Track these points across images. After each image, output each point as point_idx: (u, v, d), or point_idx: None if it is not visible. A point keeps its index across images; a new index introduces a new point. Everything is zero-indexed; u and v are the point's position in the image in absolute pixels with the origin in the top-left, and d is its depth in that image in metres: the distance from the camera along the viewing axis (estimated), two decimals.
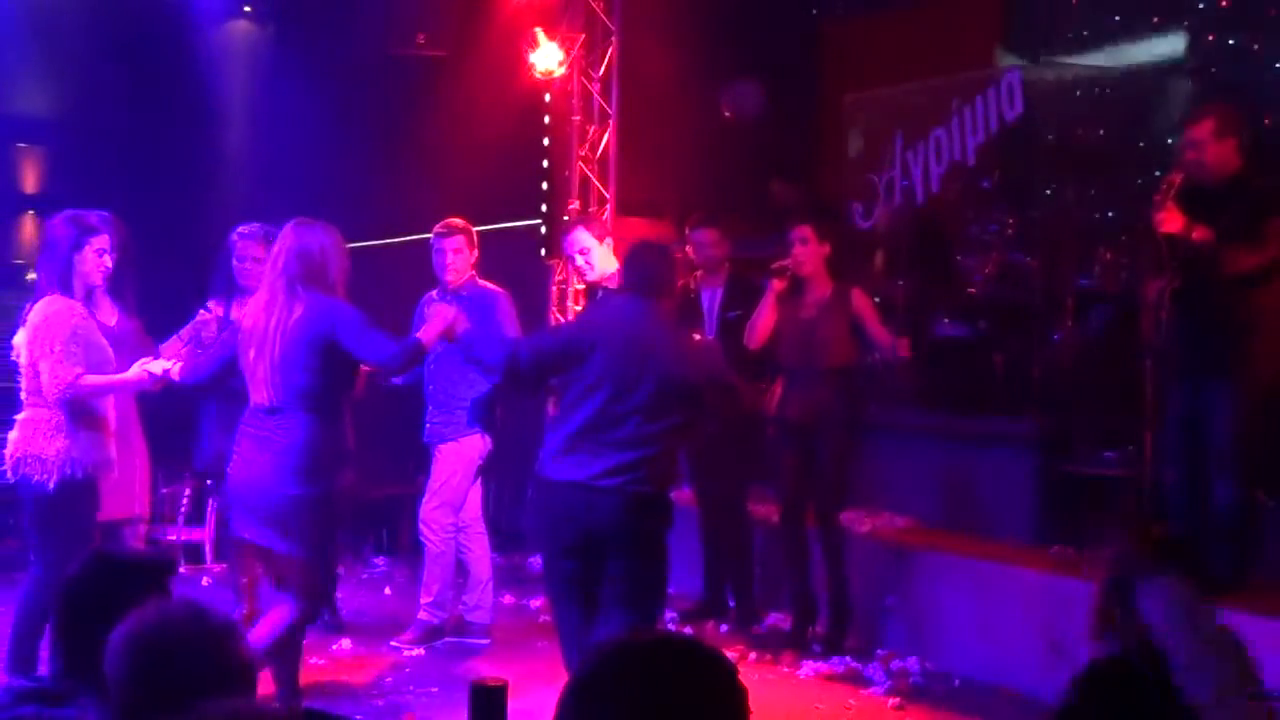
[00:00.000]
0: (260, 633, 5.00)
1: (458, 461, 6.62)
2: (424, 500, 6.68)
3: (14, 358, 5.44)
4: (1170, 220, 5.37)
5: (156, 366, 5.28)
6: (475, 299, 6.56)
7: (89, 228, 5.23)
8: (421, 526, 6.66)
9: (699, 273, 7.13)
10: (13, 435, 5.22)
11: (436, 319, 5.15)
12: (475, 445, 6.64)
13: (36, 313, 5.17)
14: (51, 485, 5.08)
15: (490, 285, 6.71)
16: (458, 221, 6.70)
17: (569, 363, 4.80)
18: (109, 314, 5.62)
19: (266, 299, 5.01)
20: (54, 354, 5.08)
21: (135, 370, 5.28)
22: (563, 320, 9.54)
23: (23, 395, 5.27)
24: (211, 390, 5.56)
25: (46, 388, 5.10)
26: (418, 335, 5.12)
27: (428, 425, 6.72)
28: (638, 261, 4.97)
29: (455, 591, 6.77)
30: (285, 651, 5.11)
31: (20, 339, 5.31)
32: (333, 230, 5.14)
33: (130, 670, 2.21)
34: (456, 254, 6.61)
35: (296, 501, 4.93)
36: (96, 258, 5.25)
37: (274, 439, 4.94)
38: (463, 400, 6.58)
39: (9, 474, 5.21)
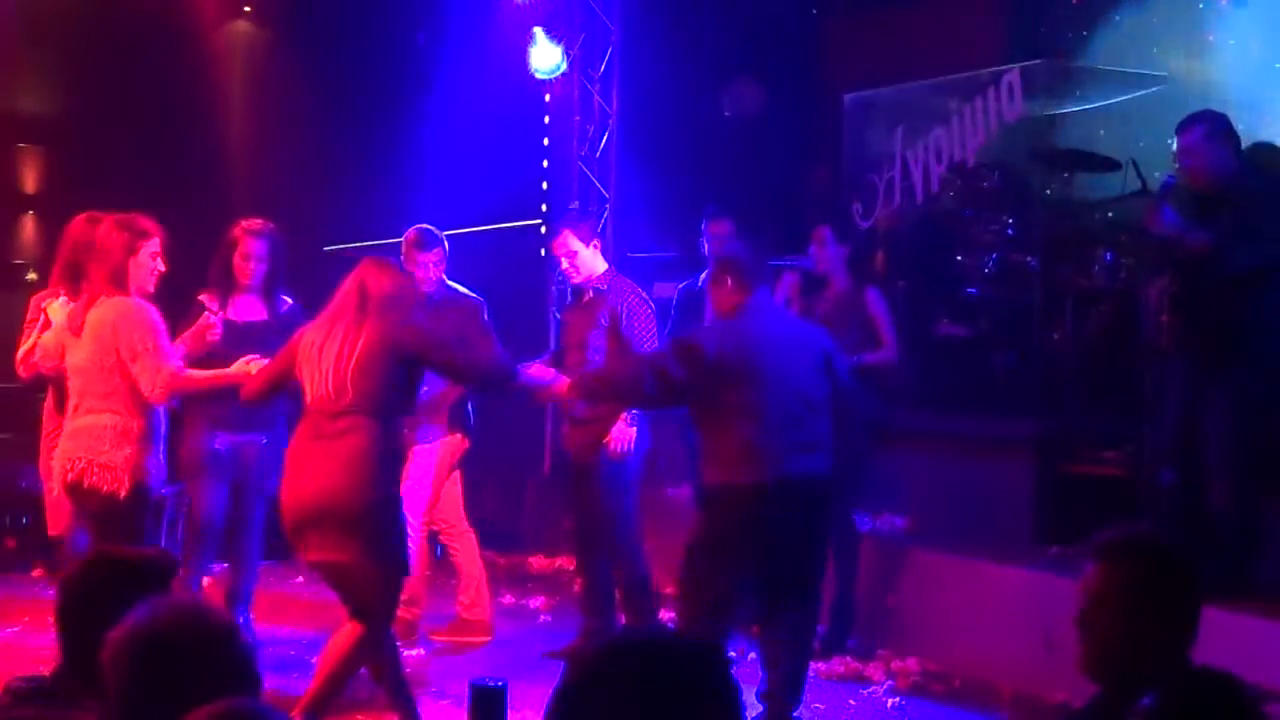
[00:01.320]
0: (330, 657, 4.86)
1: (427, 462, 6.62)
2: None
3: (45, 362, 5.26)
4: (1161, 222, 5.38)
5: (254, 367, 5.13)
6: (450, 301, 6.54)
7: (141, 232, 5.06)
8: None
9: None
10: (68, 444, 4.98)
11: (553, 388, 5.50)
12: (448, 446, 6.64)
13: (110, 313, 4.94)
14: (123, 494, 4.89)
15: (459, 287, 6.64)
16: (433, 230, 6.56)
17: (725, 382, 5.04)
18: None
19: (332, 316, 4.90)
20: (147, 351, 4.88)
21: (238, 367, 5.14)
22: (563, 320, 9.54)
23: (73, 401, 5.03)
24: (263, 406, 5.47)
25: (148, 389, 4.88)
26: (531, 382, 5.40)
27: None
28: (756, 258, 5.39)
29: (425, 587, 6.76)
30: (383, 672, 5.00)
31: (53, 339, 5.13)
32: (403, 274, 5.18)
33: (129, 671, 2.18)
34: (438, 266, 6.56)
35: (375, 506, 4.77)
36: (150, 262, 5.07)
37: (341, 444, 4.76)
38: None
39: (67, 482, 4.94)
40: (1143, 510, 5.96)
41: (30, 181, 9.51)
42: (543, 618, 7.26)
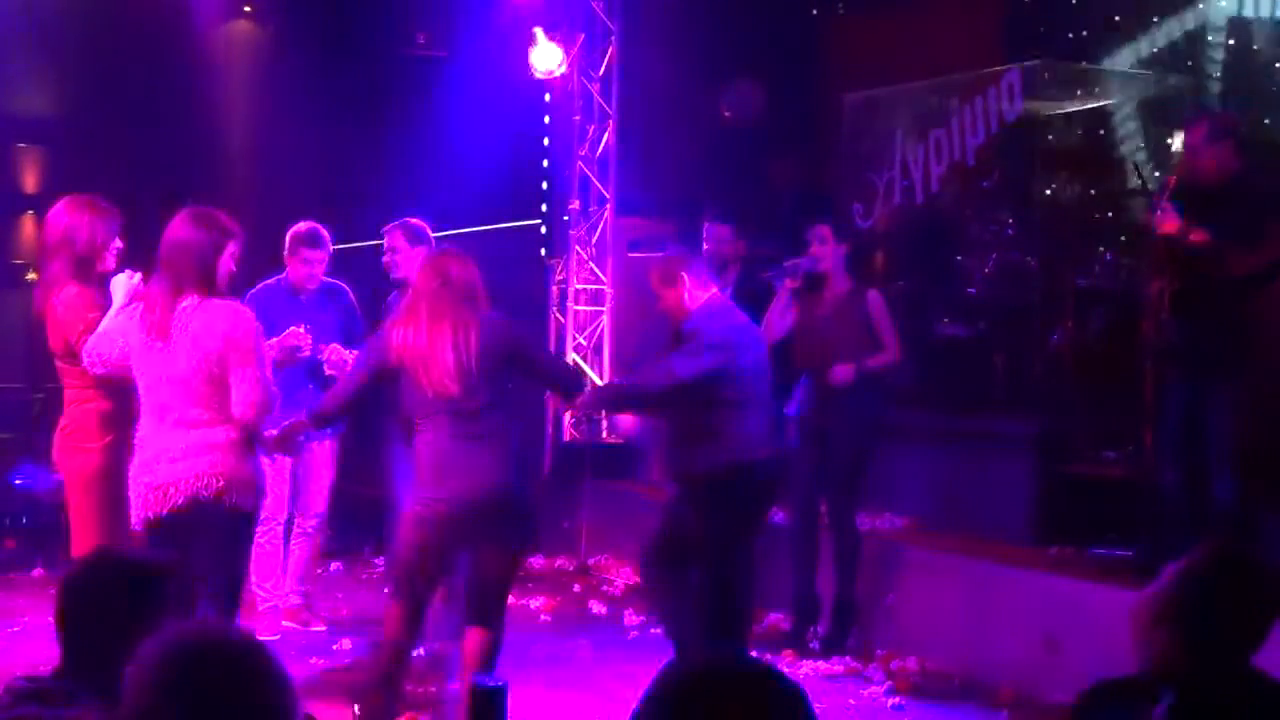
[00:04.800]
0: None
1: (326, 458, 6.71)
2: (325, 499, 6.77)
3: (101, 366, 4.86)
4: (1167, 221, 5.38)
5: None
6: (332, 292, 6.64)
7: (227, 230, 4.61)
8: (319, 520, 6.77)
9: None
10: (190, 461, 4.46)
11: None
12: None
13: (214, 319, 4.48)
14: (251, 508, 4.56)
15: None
16: (324, 231, 6.58)
17: (731, 375, 5.42)
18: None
19: (431, 318, 4.86)
20: (255, 364, 4.48)
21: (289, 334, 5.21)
22: (563, 320, 9.56)
23: (168, 413, 4.51)
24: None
25: (241, 405, 4.46)
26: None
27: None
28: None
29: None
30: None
31: (112, 340, 4.72)
32: (468, 256, 5.14)
33: (159, 694, 2.03)
34: (322, 265, 6.55)
35: (534, 497, 5.15)
36: (229, 263, 4.61)
37: (495, 443, 4.88)
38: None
39: (190, 499, 4.44)
40: (1143, 510, 5.96)
41: (30, 181, 9.51)
42: (543, 618, 7.26)
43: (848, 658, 6.36)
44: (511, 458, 4.94)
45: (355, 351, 5.72)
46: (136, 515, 4.57)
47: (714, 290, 5.62)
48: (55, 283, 5.09)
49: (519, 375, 5.08)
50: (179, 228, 4.59)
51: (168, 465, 4.48)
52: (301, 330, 5.62)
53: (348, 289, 6.69)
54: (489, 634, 5.00)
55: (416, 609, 4.97)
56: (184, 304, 4.51)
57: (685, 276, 5.47)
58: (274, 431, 4.92)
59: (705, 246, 7.15)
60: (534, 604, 7.51)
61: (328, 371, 6.04)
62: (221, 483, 4.44)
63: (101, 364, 4.82)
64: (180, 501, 4.44)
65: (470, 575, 5.12)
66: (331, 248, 6.62)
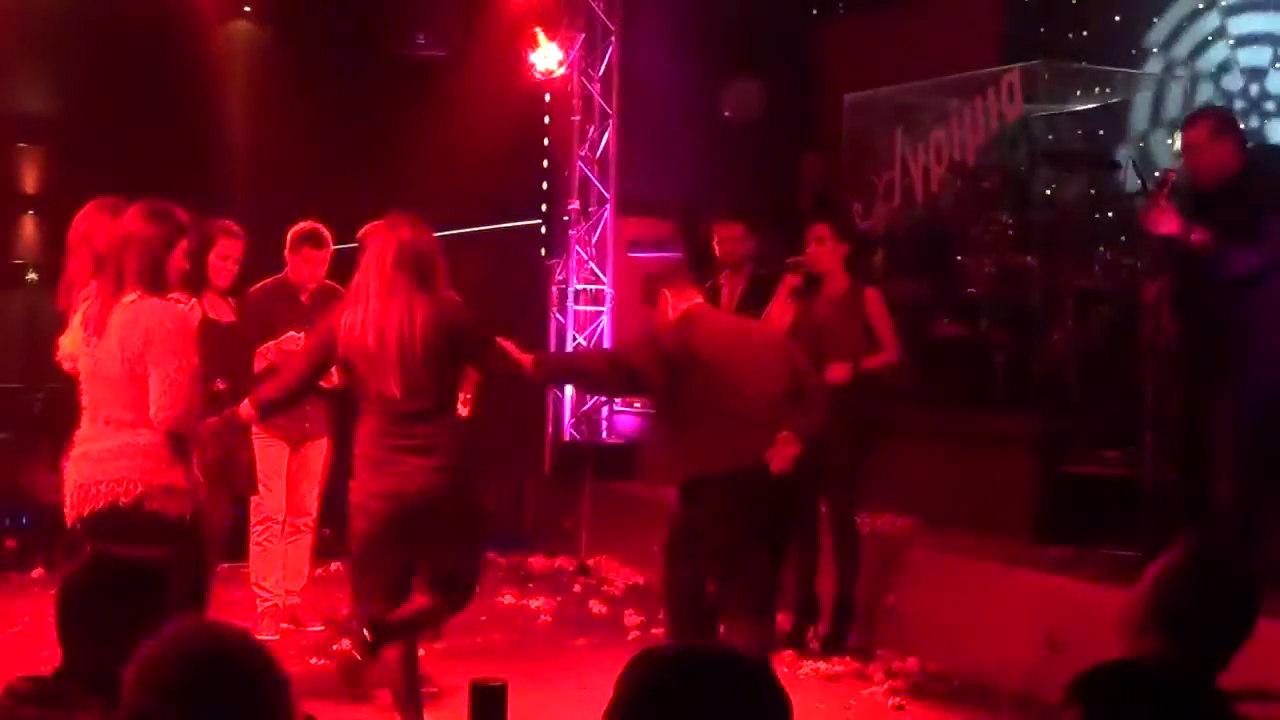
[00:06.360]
0: (409, 607, 4.89)
1: (317, 460, 6.73)
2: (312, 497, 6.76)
3: (65, 363, 4.78)
4: (1167, 221, 5.38)
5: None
6: (329, 292, 6.55)
7: (181, 227, 4.51)
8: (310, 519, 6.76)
9: (726, 271, 7.04)
10: (112, 464, 4.36)
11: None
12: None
13: (143, 317, 4.36)
14: (189, 516, 4.40)
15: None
16: (325, 231, 6.59)
17: (688, 381, 5.25)
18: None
19: (380, 303, 4.69)
20: (173, 366, 4.33)
21: (284, 342, 5.23)
22: (563, 320, 9.57)
23: (99, 412, 4.44)
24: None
25: (156, 408, 4.33)
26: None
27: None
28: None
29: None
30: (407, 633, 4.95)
31: (72, 341, 4.66)
32: (428, 229, 4.90)
33: (155, 692, 2.05)
34: (324, 265, 6.55)
35: (474, 501, 5.00)
36: (181, 260, 4.51)
37: (434, 444, 4.71)
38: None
39: (112, 504, 4.32)
40: (1143, 510, 5.96)
41: (30, 181, 9.49)
42: (543, 618, 7.26)
43: (848, 658, 6.36)
44: (459, 464, 4.77)
45: None
46: (67, 513, 4.48)
47: (696, 299, 5.48)
48: (78, 282, 5.06)
49: (467, 361, 4.91)
50: (130, 221, 4.48)
51: (92, 465, 4.41)
52: (300, 336, 5.61)
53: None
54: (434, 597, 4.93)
55: (388, 601, 4.84)
56: (125, 300, 4.41)
57: (666, 293, 5.44)
58: (212, 421, 4.74)
59: (717, 250, 7.06)
60: (534, 604, 7.51)
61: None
62: (140, 489, 4.32)
63: (65, 357, 4.80)
64: (100, 505, 4.35)
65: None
66: (331, 250, 6.61)
